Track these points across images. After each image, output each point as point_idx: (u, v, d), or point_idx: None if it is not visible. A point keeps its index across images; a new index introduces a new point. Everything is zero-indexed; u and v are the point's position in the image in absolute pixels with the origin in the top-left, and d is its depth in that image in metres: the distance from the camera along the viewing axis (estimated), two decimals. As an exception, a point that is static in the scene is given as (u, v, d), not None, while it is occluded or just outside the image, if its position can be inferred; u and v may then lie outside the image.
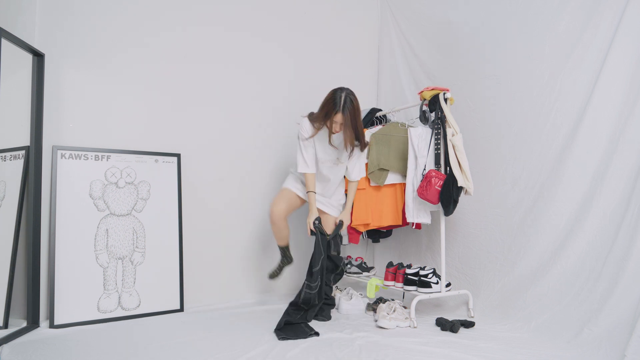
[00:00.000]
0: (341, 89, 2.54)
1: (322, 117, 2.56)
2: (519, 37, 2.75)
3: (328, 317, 2.70)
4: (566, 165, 2.48)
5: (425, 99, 2.75)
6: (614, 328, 2.07)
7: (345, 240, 3.26)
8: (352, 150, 2.67)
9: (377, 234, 3.32)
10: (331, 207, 2.83)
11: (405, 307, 2.69)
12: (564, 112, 2.52)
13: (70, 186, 2.65)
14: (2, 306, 2.34)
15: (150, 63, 2.97)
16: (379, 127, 3.14)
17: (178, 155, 3.01)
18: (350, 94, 2.53)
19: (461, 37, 3.13)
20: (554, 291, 2.43)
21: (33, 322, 2.47)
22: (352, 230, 3.15)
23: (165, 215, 2.91)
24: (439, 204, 2.61)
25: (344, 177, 2.91)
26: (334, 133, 2.61)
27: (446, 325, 2.47)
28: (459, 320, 2.53)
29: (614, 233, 2.24)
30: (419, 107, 2.87)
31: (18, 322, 2.45)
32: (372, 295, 2.89)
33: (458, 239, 3.03)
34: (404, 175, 2.94)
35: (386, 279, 2.85)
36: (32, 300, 2.47)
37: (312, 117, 2.65)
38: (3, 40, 2.25)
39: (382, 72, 3.91)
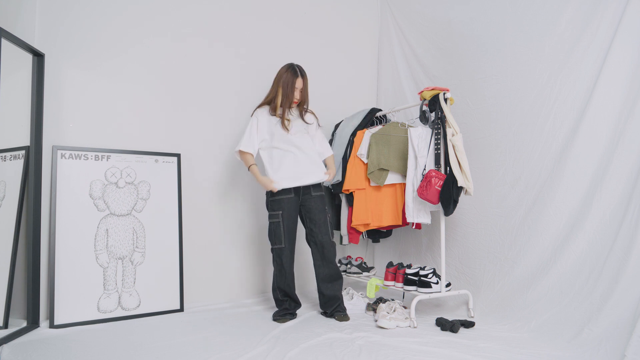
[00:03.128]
0: (290, 63, 2.76)
1: (284, 89, 2.69)
2: (519, 37, 2.75)
3: (345, 315, 2.69)
4: (566, 165, 2.47)
5: (425, 99, 2.75)
6: (614, 328, 2.07)
7: (345, 240, 3.26)
8: (305, 112, 2.80)
9: (377, 234, 3.32)
10: (311, 171, 2.71)
11: (405, 307, 2.69)
12: (564, 112, 2.52)
13: (70, 186, 2.65)
14: (2, 306, 2.33)
15: (150, 63, 2.97)
16: (379, 127, 3.14)
17: (178, 155, 3.01)
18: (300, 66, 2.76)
19: (461, 37, 3.13)
20: (554, 291, 2.43)
21: (33, 322, 2.47)
22: (352, 230, 3.15)
23: (165, 215, 2.91)
24: (439, 204, 2.61)
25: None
26: (295, 103, 2.73)
27: (446, 325, 2.47)
28: (459, 320, 2.53)
29: (614, 233, 2.24)
30: (419, 107, 2.87)
31: (18, 322, 2.44)
32: (372, 295, 2.89)
33: (458, 239, 3.03)
34: (404, 175, 2.94)
35: (386, 279, 2.85)
36: (32, 300, 2.47)
37: (265, 101, 2.78)
38: (3, 40, 2.25)
39: (382, 72, 3.91)
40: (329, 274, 2.72)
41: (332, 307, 2.72)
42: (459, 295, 2.82)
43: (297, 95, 2.72)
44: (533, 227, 2.60)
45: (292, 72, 2.71)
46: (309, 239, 2.76)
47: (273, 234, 2.67)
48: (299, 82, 2.71)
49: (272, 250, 2.69)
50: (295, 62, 2.78)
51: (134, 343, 2.24)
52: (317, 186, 2.76)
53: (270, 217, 2.69)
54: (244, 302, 3.10)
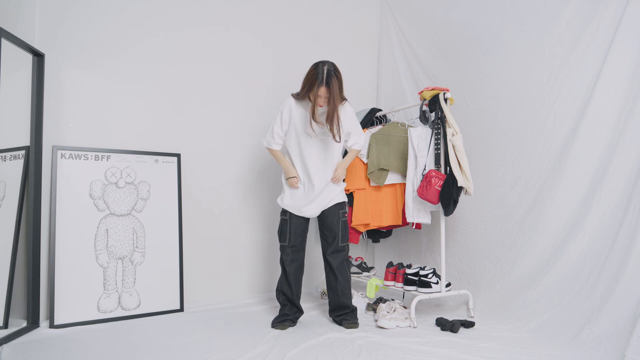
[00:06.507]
0: (323, 62, 2.44)
1: (305, 91, 2.48)
2: (518, 37, 2.75)
3: (355, 323, 2.55)
4: (566, 165, 2.48)
5: (425, 99, 2.76)
6: (614, 328, 2.07)
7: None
8: (334, 124, 2.48)
9: (377, 234, 3.33)
10: (328, 196, 2.57)
11: (405, 307, 2.69)
12: (564, 112, 2.52)
13: (70, 186, 2.64)
14: (2, 306, 2.33)
15: (150, 63, 2.97)
16: (379, 127, 3.14)
17: (178, 155, 3.01)
18: (332, 66, 2.44)
19: (461, 37, 3.13)
20: (554, 291, 2.43)
21: (33, 322, 2.47)
22: (352, 230, 3.15)
23: (165, 215, 2.91)
24: (439, 204, 2.61)
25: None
26: (319, 107, 2.49)
27: (446, 325, 2.47)
28: (459, 320, 2.53)
29: (614, 233, 2.24)
30: (419, 107, 2.88)
31: (18, 322, 2.44)
32: (372, 295, 2.89)
33: (458, 239, 3.03)
34: (404, 175, 2.94)
35: (386, 279, 2.85)
36: (32, 300, 2.47)
37: (296, 95, 2.58)
38: (3, 40, 2.25)
39: (382, 72, 3.91)
40: (340, 289, 2.58)
41: (340, 315, 2.60)
42: (459, 295, 2.82)
43: (320, 102, 2.46)
44: (533, 227, 2.60)
45: (315, 77, 2.41)
46: (323, 250, 2.63)
47: (280, 231, 2.61)
48: (321, 92, 2.42)
49: (279, 248, 2.62)
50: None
51: (134, 343, 2.24)
52: None
53: (281, 212, 2.61)
54: (244, 302, 3.09)
